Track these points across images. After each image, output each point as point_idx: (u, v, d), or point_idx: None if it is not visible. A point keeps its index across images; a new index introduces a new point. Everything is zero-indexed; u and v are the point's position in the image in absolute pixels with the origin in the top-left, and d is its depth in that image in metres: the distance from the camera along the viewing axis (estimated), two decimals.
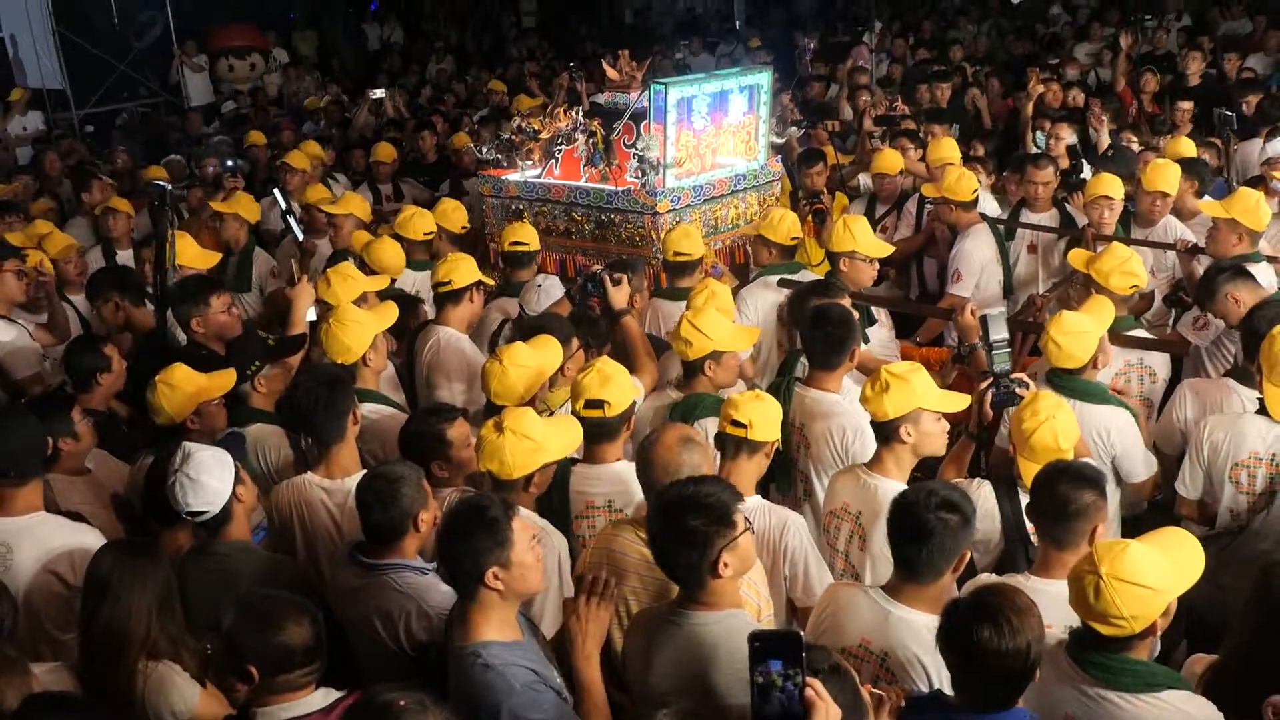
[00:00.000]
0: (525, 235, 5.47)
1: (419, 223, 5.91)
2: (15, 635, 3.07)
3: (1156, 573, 2.59)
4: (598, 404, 3.58)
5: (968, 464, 3.92)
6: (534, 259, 5.50)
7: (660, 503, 2.77)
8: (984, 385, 3.83)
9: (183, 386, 3.96)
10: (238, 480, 3.40)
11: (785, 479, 4.16)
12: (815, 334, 4.12)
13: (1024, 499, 3.51)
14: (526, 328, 4.41)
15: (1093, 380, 4.10)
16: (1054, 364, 4.07)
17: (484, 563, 2.69)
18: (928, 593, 2.90)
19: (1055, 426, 3.47)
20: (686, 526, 2.64)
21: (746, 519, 2.75)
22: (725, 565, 2.65)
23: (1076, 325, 4.05)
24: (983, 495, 3.58)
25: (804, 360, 4.40)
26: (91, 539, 3.43)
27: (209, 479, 3.31)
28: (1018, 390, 3.79)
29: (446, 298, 4.86)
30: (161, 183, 5.86)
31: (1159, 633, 2.67)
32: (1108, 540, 2.78)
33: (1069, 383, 4.04)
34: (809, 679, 2.12)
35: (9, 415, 3.59)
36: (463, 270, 4.85)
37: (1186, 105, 7.73)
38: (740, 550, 2.69)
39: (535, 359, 3.97)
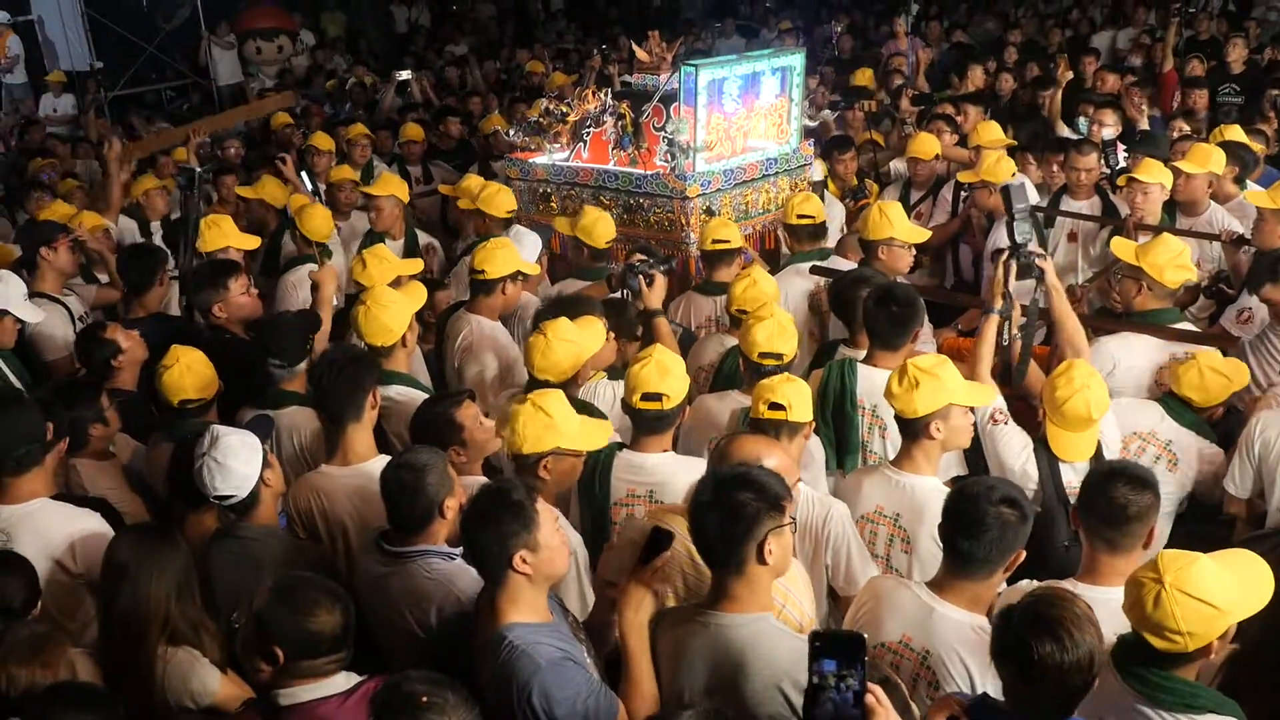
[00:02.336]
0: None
1: (502, 199, 5.68)
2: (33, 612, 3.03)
3: (1223, 591, 2.43)
4: (656, 397, 3.53)
5: (993, 342, 3.98)
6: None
7: (714, 479, 2.66)
8: (1005, 255, 3.86)
9: (199, 369, 3.97)
10: (265, 464, 3.37)
11: (833, 458, 4.05)
12: (881, 313, 4.02)
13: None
14: (557, 305, 4.35)
15: (1204, 422, 4.05)
16: (1182, 391, 4.01)
17: (512, 546, 2.64)
18: (974, 590, 2.80)
19: (1089, 397, 3.53)
20: (737, 499, 2.55)
21: (792, 517, 2.67)
22: (770, 551, 2.56)
23: (1225, 369, 4.02)
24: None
25: (842, 349, 4.34)
26: (94, 524, 3.39)
27: (236, 463, 3.28)
28: (1038, 262, 3.86)
29: (479, 286, 4.75)
30: (190, 165, 5.84)
31: (1214, 655, 2.51)
32: (1177, 550, 2.58)
33: (1181, 414, 4.01)
34: (872, 686, 2.05)
35: (3, 407, 3.51)
36: (499, 260, 4.72)
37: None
38: (785, 540, 2.61)
39: (579, 335, 3.92)
